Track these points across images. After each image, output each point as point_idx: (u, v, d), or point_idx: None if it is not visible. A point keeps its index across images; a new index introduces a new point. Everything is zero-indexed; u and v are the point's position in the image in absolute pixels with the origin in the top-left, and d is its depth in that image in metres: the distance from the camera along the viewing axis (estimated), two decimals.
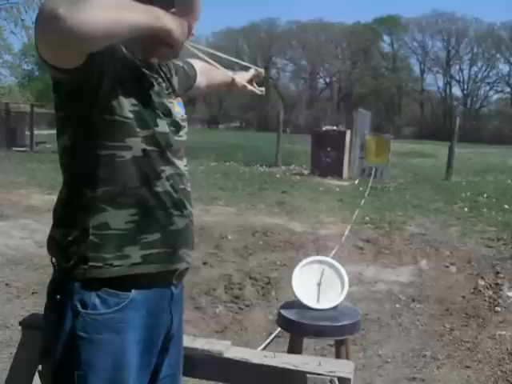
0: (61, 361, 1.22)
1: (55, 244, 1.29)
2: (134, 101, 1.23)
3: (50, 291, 1.29)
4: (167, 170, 1.30)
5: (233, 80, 1.85)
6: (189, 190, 1.38)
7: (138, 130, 1.24)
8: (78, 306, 1.21)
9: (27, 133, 21.21)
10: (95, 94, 1.17)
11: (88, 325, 1.20)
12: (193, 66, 1.69)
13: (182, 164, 1.36)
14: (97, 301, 1.21)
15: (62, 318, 1.22)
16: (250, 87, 1.87)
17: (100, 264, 1.22)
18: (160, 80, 1.35)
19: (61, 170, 1.30)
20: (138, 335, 1.27)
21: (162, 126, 1.29)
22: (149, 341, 1.30)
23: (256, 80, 1.94)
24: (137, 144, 1.23)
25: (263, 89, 1.92)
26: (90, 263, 1.22)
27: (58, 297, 1.24)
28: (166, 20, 1.16)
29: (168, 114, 1.33)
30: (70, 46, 1.03)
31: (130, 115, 1.22)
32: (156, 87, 1.32)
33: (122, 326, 1.24)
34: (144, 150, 1.25)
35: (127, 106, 1.22)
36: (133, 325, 1.26)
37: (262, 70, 1.94)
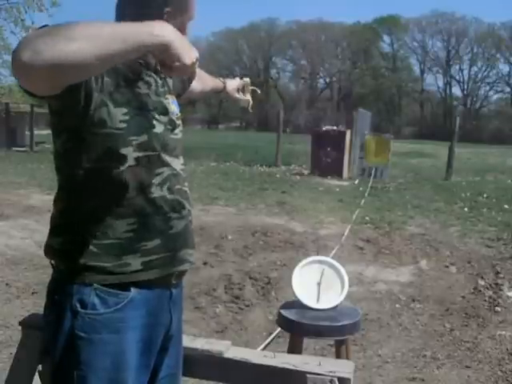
0: (60, 361, 1.22)
1: (53, 252, 1.29)
2: (124, 110, 1.21)
3: (50, 291, 1.29)
4: (163, 173, 1.28)
5: (224, 87, 1.93)
6: (185, 189, 1.37)
7: (132, 137, 1.22)
8: (77, 305, 1.20)
9: (27, 133, 21.21)
10: (84, 113, 1.15)
11: (87, 325, 1.20)
12: None
13: (178, 163, 1.35)
14: (96, 301, 1.21)
15: (61, 318, 1.21)
16: (236, 95, 1.97)
17: (100, 272, 1.22)
18: (157, 78, 1.34)
19: (55, 171, 1.28)
20: (137, 335, 1.27)
21: (159, 126, 1.28)
22: (148, 340, 1.30)
23: (246, 89, 2.02)
24: (130, 153, 1.22)
25: (249, 99, 2.01)
26: (90, 272, 1.22)
27: (57, 297, 1.24)
28: (165, 32, 1.08)
29: (165, 112, 1.32)
30: (45, 84, 1.02)
31: (123, 125, 1.20)
32: (153, 86, 1.31)
33: (121, 326, 1.23)
34: (137, 158, 1.23)
35: (118, 116, 1.20)
36: (132, 324, 1.26)
37: (247, 80, 2.02)
